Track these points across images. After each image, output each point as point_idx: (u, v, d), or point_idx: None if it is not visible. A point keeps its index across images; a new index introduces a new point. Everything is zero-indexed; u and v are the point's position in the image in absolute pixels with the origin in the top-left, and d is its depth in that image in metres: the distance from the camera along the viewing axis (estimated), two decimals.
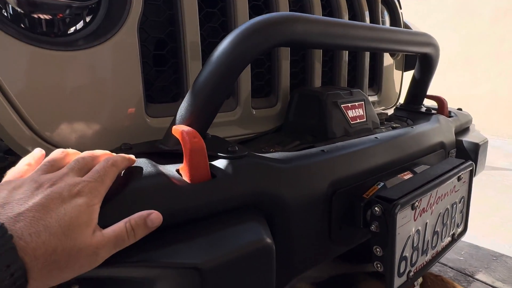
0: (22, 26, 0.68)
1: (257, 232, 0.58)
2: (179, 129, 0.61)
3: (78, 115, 0.73)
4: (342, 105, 0.96)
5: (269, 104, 1.05)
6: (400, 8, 1.63)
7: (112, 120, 0.77)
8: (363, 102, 1.03)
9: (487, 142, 1.28)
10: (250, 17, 0.93)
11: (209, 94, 0.67)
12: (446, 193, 0.89)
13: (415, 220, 0.78)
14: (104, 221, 0.48)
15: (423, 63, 1.21)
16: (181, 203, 0.56)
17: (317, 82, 1.15)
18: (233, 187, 0.61)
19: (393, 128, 1.15)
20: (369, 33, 0.86)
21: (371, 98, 1.42)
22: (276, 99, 1.06)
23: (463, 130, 1.33)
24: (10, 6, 0.68)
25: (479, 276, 1.69)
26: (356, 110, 1.00)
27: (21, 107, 0.67)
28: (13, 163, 0.55)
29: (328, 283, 1.56)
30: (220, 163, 0.64)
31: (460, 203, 0.96)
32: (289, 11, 1.05)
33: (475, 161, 1.20)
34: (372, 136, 0.92)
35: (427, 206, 0.82)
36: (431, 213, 0.84)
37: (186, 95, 0.68)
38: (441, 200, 0.87)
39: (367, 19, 1.30)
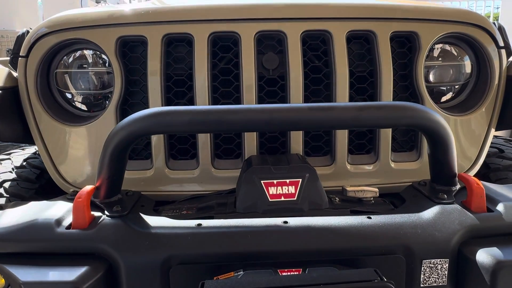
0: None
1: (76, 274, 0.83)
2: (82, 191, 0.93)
3: None
4: (262, 181, 0.96)
5: (236, 166, 1.16)
6: (504, 40, 1.17)
7: None
8: (300, 180, 0.96)
9: None
10: None
11: (109, 164, 0.94)
12: None
13: None
14: None
15: (427, 139, 0.93)
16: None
17: (297, 147, 1.13)
18: (94, 238, 0.88)
19: (339, 213, 0.96)
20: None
21: (406, 166, 1.16)
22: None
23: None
24: None
25: None
26: (283, 188, 0.96)
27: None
28: None
29: None
30: (103, 217, 0.92)
31: None
32: None
33: None
34: (280, 220, 0.90)
35: None
36: None
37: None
38: None
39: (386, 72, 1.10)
